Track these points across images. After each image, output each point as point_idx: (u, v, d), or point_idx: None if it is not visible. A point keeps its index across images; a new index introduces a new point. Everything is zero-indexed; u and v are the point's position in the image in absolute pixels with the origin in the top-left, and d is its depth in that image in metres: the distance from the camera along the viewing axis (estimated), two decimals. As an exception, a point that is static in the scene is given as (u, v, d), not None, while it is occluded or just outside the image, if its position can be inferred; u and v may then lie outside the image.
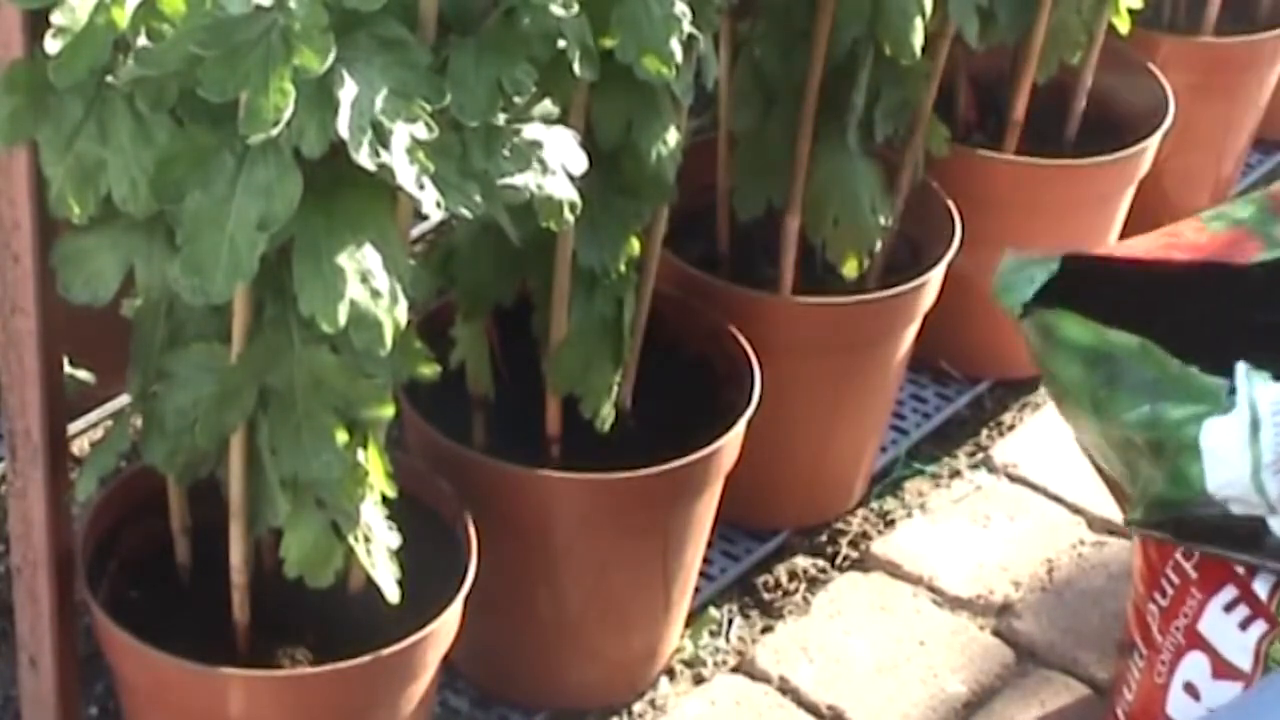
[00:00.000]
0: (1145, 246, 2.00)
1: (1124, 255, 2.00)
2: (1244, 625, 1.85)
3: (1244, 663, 1.85)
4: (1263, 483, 1.75)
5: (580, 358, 1.95)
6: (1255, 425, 1.74)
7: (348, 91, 1.45)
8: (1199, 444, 1.76)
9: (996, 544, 2.42)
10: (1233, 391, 1.77)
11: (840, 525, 2.44)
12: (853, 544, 2.41)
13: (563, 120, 1.67)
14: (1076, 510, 2.48)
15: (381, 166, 1.47)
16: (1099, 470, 2.00)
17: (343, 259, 1.52)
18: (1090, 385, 1.84)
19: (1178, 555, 1.89)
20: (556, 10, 1.59)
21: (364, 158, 1.46)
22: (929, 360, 2.62)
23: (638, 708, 2.18)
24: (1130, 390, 1.81)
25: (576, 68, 1.64)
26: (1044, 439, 2.55)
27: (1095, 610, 2.32)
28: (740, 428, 2.06)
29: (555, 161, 1.63)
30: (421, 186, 1.49)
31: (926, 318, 2.36)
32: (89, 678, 2.02)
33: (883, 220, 2.26)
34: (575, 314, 1.93)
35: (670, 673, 2.22)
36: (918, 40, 2.11)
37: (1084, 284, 1.92)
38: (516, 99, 1.59)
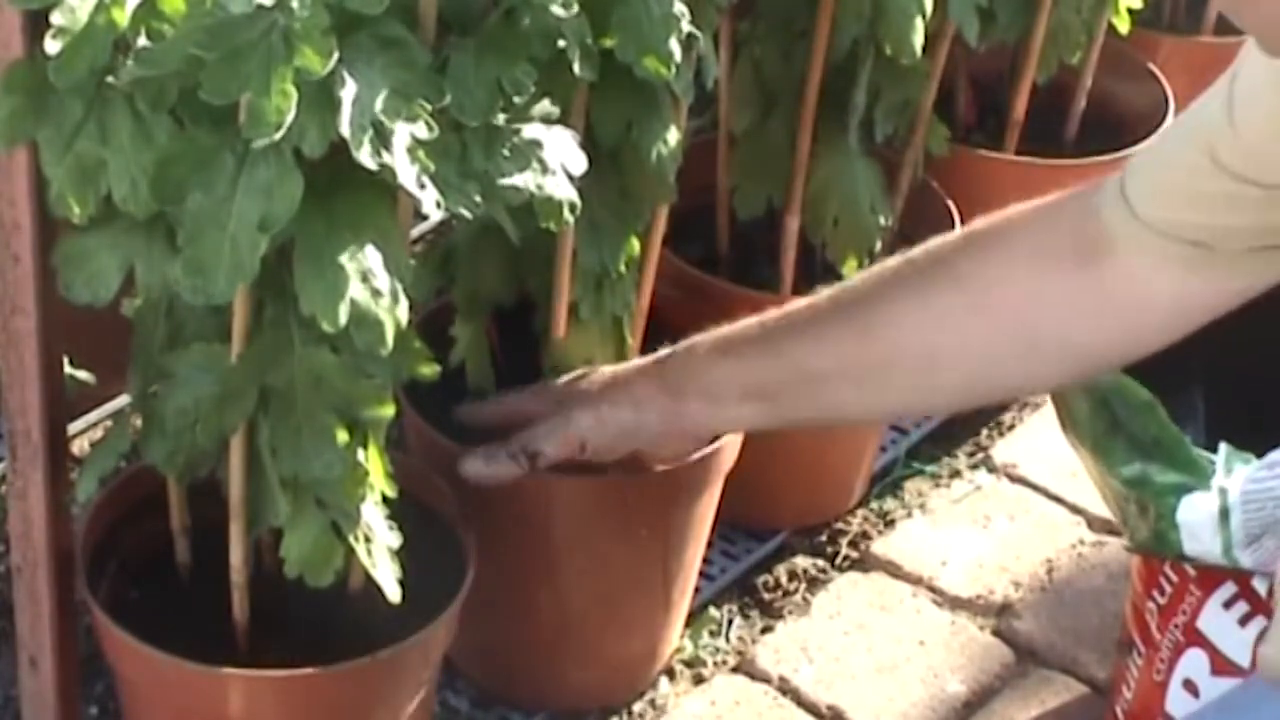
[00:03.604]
0: None
1: None
2: (1243, 622, 1.85)
3: (1243, 659, 1.85)
4: (1236, 559, 1.76)
5: (580, 358, 1.95)
6: (1225, 512, 1.74)
7: (349, 91, 1.45)
8: (1176, 516, 1.76)
9: (996, 544, 2.42)
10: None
11: (840, 525, 2.43)
12: (853, 544, 2.41)
13: (563, 120, 1.67)
14: (1076, 510, 2.48)
15: (383, 166, 1.47)
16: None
17: (344, 259, 1.52)
18: (1094, 427, 1.84)
19: (1176, 554, 1.90)
20: (556, 10, 1.59)
21: (366, 157, 1.46)
22: (929, 360, 2.62)
23: (638, 708, 2.18)
24: (1128, 443, 1.81)
25: (576, 68, 1.64)
26: (1044, 439, 2.54)
27: (1095, 610, 2.32)
28: (740, 428, 2.06)
29: (555, 161, 1.63)
30: (422, 186, 1.49)
31: (927, 317, 2.35)
32: (89, 678, 2.02)
33: (883, 220, 2.26)
34: (575, 314, 1.93)
35: (670, 673, 2.22)
36: (918, 40, 2.11)
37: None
38: (516, 99, 1.59)
